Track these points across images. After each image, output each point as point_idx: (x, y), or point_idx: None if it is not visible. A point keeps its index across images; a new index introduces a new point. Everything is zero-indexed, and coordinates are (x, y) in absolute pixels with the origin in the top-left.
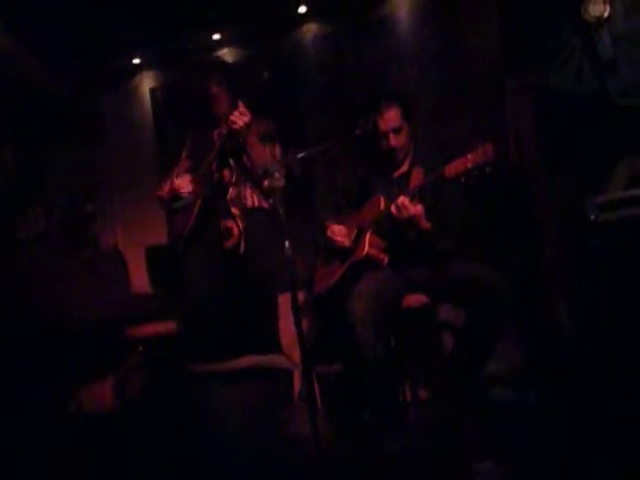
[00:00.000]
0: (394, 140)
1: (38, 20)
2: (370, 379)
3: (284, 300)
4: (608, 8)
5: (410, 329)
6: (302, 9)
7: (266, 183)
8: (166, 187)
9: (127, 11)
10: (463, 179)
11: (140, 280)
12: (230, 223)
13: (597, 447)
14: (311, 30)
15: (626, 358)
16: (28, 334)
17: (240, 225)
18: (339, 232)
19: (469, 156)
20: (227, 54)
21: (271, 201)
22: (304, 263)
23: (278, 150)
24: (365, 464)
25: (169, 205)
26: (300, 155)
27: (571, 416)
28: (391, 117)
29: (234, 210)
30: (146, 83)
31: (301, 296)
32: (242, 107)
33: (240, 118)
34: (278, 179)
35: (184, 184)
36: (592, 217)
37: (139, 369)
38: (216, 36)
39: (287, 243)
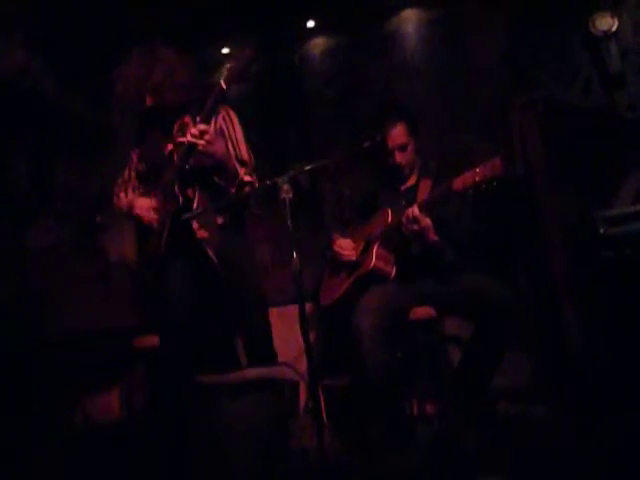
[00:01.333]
0: (399, 157)
1: (52, 35)
2: (376, 393)
3: (288, 312)
4: (616, 22)
5: (417, 342)
6: (310, 23)
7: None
8: (123, 199)
9: (136, 26)
10: (471, 192)
11: None
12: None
13: (605, 461)
14: (319, 44)
15: (636, 371)
16: (37, 343)
17: (211, 249)
18: (346, 246)
19: (478, 169)
20: None
21: (225, 218)
22: (311, 275)
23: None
24: (371, 479)
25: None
26: (307, 167)
27: (579, 430)
28: (397, 134)
29: (201, 233)
30: None
31: (307, 308)
32: (201, 125)
33: (202, 138)
34: (287, 191)
35: (145, 211)
36: (601, 230)
37: (146, 379)
38: (225, 50)
39: (295, 255)
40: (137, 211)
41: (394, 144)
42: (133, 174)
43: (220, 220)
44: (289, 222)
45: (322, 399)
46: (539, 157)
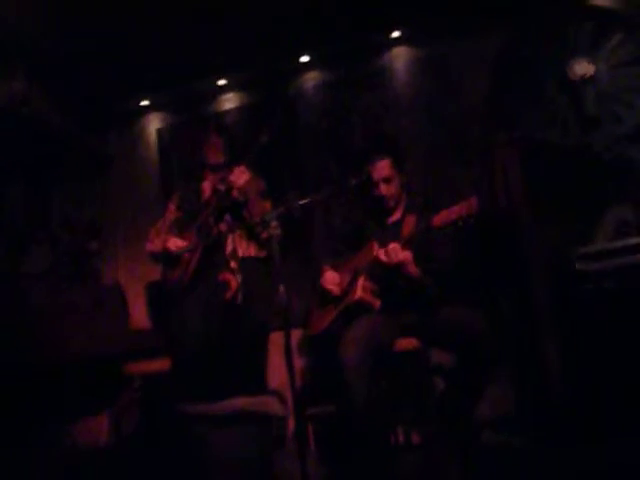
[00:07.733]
0: (384, 189)
1: (52, 64)
2: (360, 422)
3: (277, 339)
4: (592, 67)
5: (402, 373)
6: (304, 58)
7: (265, 234)
8: (157, 242)
9: (137, 56)
10: (450, 229)
11: (140, 316)
12: (228, 276)
13: None
14: (312, 78)
15: (615, 402)
16: (30, 367)
17: (238, 278)
18: (331, 280)
19: (455, 208)
20: (231, 99)
21: (266, 251)
22: (300, 305)
23: (269, 206)
24: None
25: (163, 258)
26: (302, 202)
27: (560, 460)
28: (382, 167)
29: (232, 264)
30: (153, 124)
31: (296, 335)
32: (243, 167)
33: (241, 177)
34: (275, 227)
35: (174, 247)
36: (579, 266)
37: (135, 405)
38: (221, 82)
39: (282, 287)
40: (169, 245)
41: (379, 176)
42: (167, 222)
43: (246, 253)
44: (277, 258)
45: (310, 427)
46: (520, 192)
